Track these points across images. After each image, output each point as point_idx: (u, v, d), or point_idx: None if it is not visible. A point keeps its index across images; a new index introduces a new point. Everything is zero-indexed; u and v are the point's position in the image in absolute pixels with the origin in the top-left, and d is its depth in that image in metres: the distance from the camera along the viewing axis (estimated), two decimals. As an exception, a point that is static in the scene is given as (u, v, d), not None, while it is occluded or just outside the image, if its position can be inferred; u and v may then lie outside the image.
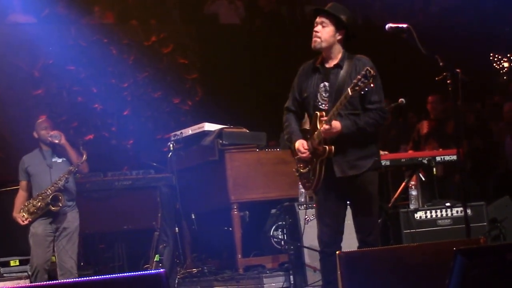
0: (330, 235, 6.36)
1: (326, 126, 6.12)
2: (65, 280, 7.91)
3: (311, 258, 8.00)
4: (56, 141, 8.69)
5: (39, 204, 8.62)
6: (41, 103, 12.08)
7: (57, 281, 7.87)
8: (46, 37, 11.79)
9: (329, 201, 6.36)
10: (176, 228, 9.37)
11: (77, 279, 6.99)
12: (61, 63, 12.08)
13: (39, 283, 7.89)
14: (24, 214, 8.70)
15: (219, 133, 8.97)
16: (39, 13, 12.28)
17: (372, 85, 5.98)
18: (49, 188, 8.63)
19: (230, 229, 8.96)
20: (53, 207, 8.56)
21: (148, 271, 8.17)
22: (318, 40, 6.31)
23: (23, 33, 11.94)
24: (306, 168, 6.40)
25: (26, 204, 8.75)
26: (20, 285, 7.94)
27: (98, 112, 12.43)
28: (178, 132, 9.62)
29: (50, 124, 9.00)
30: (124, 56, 12.66)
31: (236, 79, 12.91)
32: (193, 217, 9.50)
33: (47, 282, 7.76)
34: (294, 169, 6.61)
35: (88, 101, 12.31)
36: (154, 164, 10.56)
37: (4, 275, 9.18)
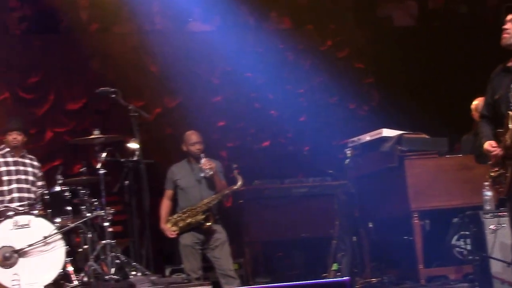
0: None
1: None
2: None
3: (499, 269, 7.58)
4: (208, 176, 9.02)
5: (189, 220, 8.95)
6: (220, 110, 12.19)
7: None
8: (224, 45, 11.88)
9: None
10: (354, 237, 9.20)
11: (266, 286, 7.04)
12: (239, 70, 12.17)
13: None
14: (171, 226, 9.03)
15: (398, 139, 8.73)
16: (217, 21, 12.39)
17: None
18: (199, 206, 8.97)
19: (410, 238, 8.68)
20: (203, 226, 8.92)
21: (333, 279, 8.13)
22: (507, 36, 5.96)
23: (202, 41, 12.14)
24: (497, 172, 6.05)
25: (174, 216, 9.09)
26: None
27: (274, 118, 12.41)
28: (355, 138, 9.42)
29: (200, 139, 9.23)
30: (300, 61, 12.57)
31: (413, 83, 12.57)
32: (371, 225, 9.29)
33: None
34: (487, 176, 6.27)
35: (264, 107, 12.31)
36: (331, 171, 10.42)
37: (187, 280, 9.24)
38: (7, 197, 9.15)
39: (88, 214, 8.80)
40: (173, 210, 9.25)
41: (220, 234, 9.04)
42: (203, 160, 9.00)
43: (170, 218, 9.10)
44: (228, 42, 11.91)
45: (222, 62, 12.24)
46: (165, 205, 9.24)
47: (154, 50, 11.94)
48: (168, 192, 9.28)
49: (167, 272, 9.82)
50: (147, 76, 12.05)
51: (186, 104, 12.02)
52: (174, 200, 9.30)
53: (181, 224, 8.98)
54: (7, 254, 8.20)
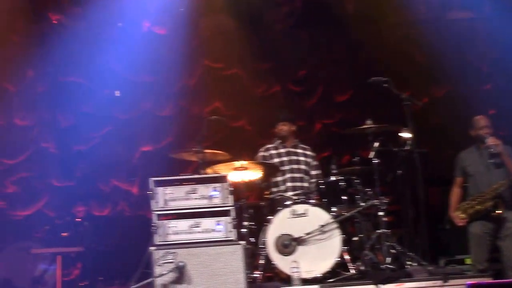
0: None
1: None
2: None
3: None
4: (495, 152, 8.76)
5: (478, 207, 8.73)
6: (489, 98, 11.85)
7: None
8: (494, 31, 11.60)
9: None
10: None
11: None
12: (510, 57, 11.73)
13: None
14: (460, 213, 8.84)
15: None
16: (486, 7, 12.04)
17: None
18: (488, 192, 8.72)
19: None
20: (492, 214, 8.65)
21: None
22: None
23: (470, 29, 11.93)
24: None
25: (463, 203, 8.89)
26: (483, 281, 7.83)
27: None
28: None
29: (488, 123, 8.99)
30: None
31: None
32: None
33: None
34: None
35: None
36: None
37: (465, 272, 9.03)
38: (282, 187, 9.43)
39: (363, 204, 8.84)
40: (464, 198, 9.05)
41: (510, 224, 8.72)
42: (489, 139, 8.77)
43: (459, 205, 8.93)
44: (498, 28, 11.55)
45: (492, 49, 11.89)
46: (455, 192, 9.08)
47: (421, 39, 11.80)
48: (458, 180, 9.10)
49: (441, 263, 9.66)
50: (413, 66, 11.93)
51: (454, 93, 11.80)
52: (464, 188, 9.12)
53: (470, 211, 8.78)
54: (286, 242, 8.40)
